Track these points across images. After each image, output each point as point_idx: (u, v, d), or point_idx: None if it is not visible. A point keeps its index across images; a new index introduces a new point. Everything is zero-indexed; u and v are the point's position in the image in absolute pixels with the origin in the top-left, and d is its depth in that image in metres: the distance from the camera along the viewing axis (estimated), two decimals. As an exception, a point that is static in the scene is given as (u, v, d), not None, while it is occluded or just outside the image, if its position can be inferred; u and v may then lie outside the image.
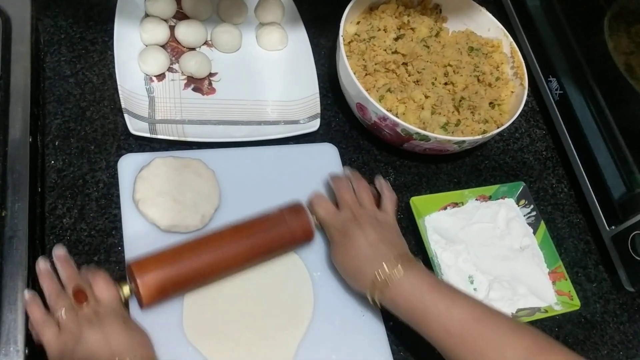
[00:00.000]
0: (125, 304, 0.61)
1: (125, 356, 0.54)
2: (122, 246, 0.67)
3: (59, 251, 0.62)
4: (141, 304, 0.60)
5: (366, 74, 0.81)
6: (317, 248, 0.72)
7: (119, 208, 0.69)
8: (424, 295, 0.60)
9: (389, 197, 0.71)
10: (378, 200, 0.72)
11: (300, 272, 0.70)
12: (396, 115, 0.75)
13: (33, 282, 0.61)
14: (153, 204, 0.68)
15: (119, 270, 0.66)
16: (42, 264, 0.60)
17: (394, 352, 0.68)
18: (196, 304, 0.65)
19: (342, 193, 0.70)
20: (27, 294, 0.58)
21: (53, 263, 0.61)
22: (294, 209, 0.68)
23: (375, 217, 0.68)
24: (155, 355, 0.57)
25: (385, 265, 0.61)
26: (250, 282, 0.68)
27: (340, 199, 0.70)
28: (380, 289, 0.62)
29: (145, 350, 0.57)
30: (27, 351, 0.57)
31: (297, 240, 0.68)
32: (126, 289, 0.60)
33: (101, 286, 0.59)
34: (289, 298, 0.68)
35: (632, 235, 0.76)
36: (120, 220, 0.68)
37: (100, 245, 0.68)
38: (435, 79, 0.82)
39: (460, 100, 0.81)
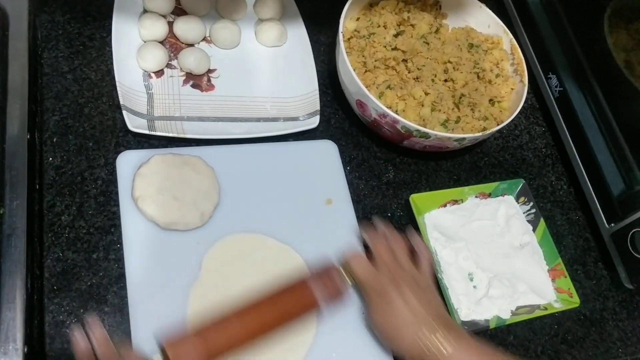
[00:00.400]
0: None
1: None
2: (121, 244, 0.67)
3: (97, 331, 0.58)
4: None
5: (366, 71, 0.81)
6: (311, 246, 0.71)
7: (118, 205, 0.69)
8: None
9: (426, 257, 0.69)
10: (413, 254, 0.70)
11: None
12: (396, 112, 0.75)
13: (32, 280, 0.61)
14: (152, 202, 0.68)
15: (118, 268, 0.66)
16: (82, 343, 0.57)
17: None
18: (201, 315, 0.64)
19: (381, 252, 0.68)
20: None
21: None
22: (330, 275, 0.66)
23: (413, 279, 0.66)
24: None
25: (425, 331, 0.61)
26: (254, 288, 0.67)
27: (379, 258, 0.67)
28: (421, 354, 0.61)
29: None
30: (26, 349, 0.56)
31: (334, 302, 0.67)
32: None
33: None
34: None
35: (631, 232, 0.76)
36: (119, 218, 0.68)
37: (99, 243, 0.67)
38: (435, 76, 0.82)
39: (460, 97, 0.80)
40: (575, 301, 0.75)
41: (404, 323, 0.63)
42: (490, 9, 0.89)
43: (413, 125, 0.73)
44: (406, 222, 0.78)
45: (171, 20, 0.83)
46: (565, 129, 0.88)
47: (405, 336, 0.62)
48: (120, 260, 0.66)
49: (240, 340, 0.61)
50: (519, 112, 0.79)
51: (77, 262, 0.66)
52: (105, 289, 0.65)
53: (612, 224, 0.79)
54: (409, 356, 0.63)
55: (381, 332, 0.66)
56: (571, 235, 0.85)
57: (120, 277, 0.65)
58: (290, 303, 0.64)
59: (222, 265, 0.68)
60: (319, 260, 0.69)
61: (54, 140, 0.72)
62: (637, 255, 0.75)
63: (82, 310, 0.63)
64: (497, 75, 0.85)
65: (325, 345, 0.66)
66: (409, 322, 0.62)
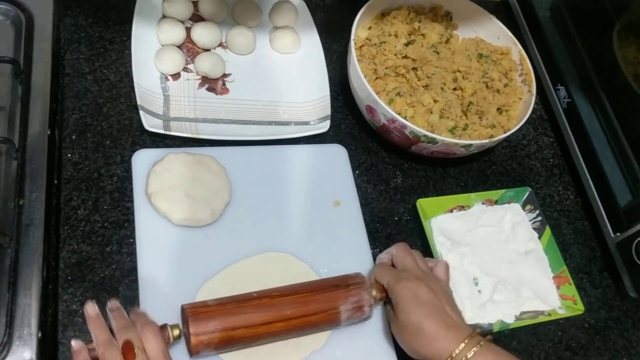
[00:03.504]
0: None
1: None
2: (134, 238, 0.69)
3: (113, 304, 0.60)
4: (190, 352, 0.60)
5: (376, 78, 0.83)
6: (318, 247, 0.73)
7: (132, 201, 0.71)
8: None
9: (443, 266, 0.69)
10: None
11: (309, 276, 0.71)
12: (405, 119, 0.76)
13: (47, 270, 0.63)
14: (165, 198, 0.70)
15: (130, 261, 0.68)
16: (90, 309, 0.58)
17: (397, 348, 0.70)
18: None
19: (406, 258, 0.68)
20: (75, 344, 0.56)
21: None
22: (359, 284, 0.66)
23: (437, 281, 0.66)
24: None
25: (454, 337, 0.61)
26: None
27: (404, 262, 0.68)
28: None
29: None
30: (40, 335, 0.58)
31: (357, 316, 0.66)
32: (176, 332, 0.60)
33: (150, 341, 0.56)
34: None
35: (636, 241, 0.76)
36: (133, 213, 0.70)
37: (112, 237, 0.69)
38: (445, 84, 0.84)
39: (468, 105, 0.82)
40: (579, 308, 0.75)
41: (436, 321, 0.62)
42: (500, 20, 0.91)
43: (421, 130, 0.74)
44: (412, 226, 0.80)
45: (189, 26, 0.86)
46: (573, 139, 0.89)
47: (438, 339, 0.61)
48: (132, 254, 0.68)
49: (257, 327, 0.62)
50: (528, 122, 0.81)
51: (92, 254, 0.68)
52: (118, 281, 0.67)
53: (618, 234, 0.80)
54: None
55: (409, 331, 0.63)
56: (577, 244, 0.86)
57: (132, 270, 0.67)
58: (313, 306, 0.64)
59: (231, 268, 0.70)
60: (348, 273, 0.69)
61: (73, 137, 0.75)
62: (642, 264, 0.75)
63: (94, 301, 0.65)
64: (506, 85, 0.86)
65: (331, 343, 0.68)
66: (442, 324, 0.61)
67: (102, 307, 0.64)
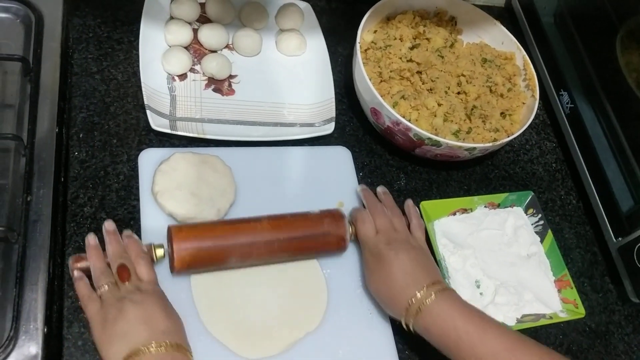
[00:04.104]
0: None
1: (163, 339, 0.56)
2: (139, 236, 0.69)
3: (110, 226, 0.66)
4: (172, 269, 0.65)
5: (381, 81, 0.84)
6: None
7: (138, 200, 0.72)
8: (457, 322, 0.61)
9: (418, 225, 0.73)
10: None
11: (314, 270, 0.72)
12: (409, 122, 0.77)
13: (53, 267, 0.64)
14: (171, 197, 0.70)
15: (136, 259, 0.69)
16: (92, 239, 0.64)
17: (399, 351, 0.70)
18: (211, 300, 0.67)
19: (378, 217, 0.71)
20: (76, 273, 0.62)
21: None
22: (335, 217, 0.71)
23: (408, 242, 0.69)
24: (187, 343, 0.60)
25: (418, 294, 0.63)
26: (265, 277, 0.70)
27: (376, 224, 0.71)
28: (413, 315, 0.63)
29: (179, 336, 0.59)
30: (46, 330, 0.59)
31: (330, 247, 0.71)
32: (160, 251, 0.65)
33: (143, 268, 0.62)
34: (303, 293, 0.71)
35: (638, 246, 0.77)
36: (138, 211, 0.71)
37: (118, 235, 0.70)
38: (449, 88, 0.84)
39: (472, 109, 0.83)
40: (580, 311, 0.76)
41: (399, 287, 0.65)
42: (504, 26, 0.92)
43: (425, 132, 0.75)
44: (416, 228, 0.80)
45: (196, 27, 0.87)
46: (576, 144, 0.90)
47: (400, 300, 0.64)
48: (138, 251, 0.69)
49: (245, 250, 0.66)
50: (530, 127, 0.81)
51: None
52: (123, 278, 0.67)
53: (620, 238, 0.81)
54: (404, 319, 0.65)
55: (378, 295, 0.69)
56: (579, 248, 0.86)
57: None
58: (299, 231, 0.69)
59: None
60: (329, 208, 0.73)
61: (80, 136, 0.75)
62: (643, 269, 0.76)
63: (95, 235, 0.66)
64: (509, 90, 0.87)
65: (327, 331, 0.69)
66: (404, 286, 0.65)
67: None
